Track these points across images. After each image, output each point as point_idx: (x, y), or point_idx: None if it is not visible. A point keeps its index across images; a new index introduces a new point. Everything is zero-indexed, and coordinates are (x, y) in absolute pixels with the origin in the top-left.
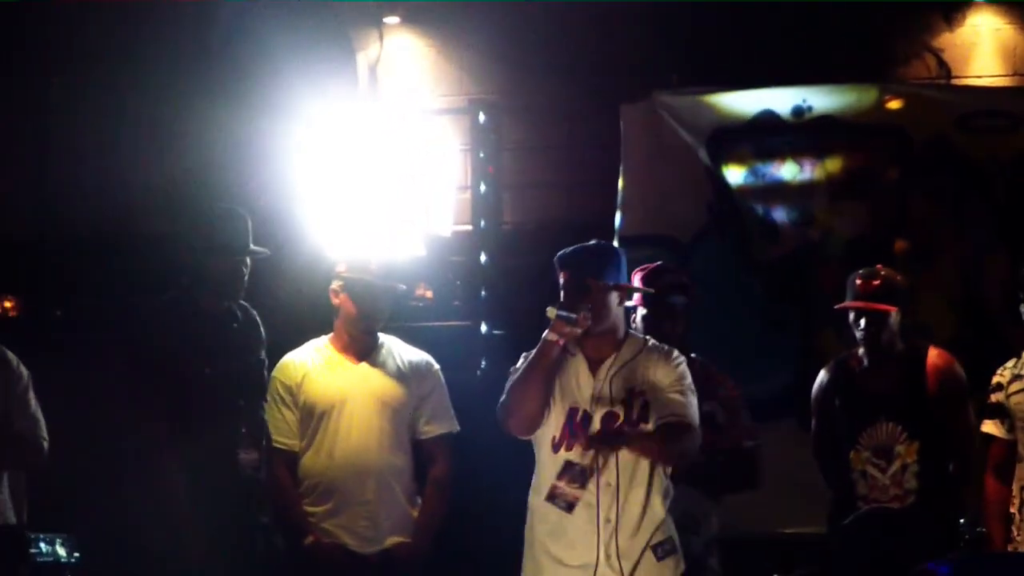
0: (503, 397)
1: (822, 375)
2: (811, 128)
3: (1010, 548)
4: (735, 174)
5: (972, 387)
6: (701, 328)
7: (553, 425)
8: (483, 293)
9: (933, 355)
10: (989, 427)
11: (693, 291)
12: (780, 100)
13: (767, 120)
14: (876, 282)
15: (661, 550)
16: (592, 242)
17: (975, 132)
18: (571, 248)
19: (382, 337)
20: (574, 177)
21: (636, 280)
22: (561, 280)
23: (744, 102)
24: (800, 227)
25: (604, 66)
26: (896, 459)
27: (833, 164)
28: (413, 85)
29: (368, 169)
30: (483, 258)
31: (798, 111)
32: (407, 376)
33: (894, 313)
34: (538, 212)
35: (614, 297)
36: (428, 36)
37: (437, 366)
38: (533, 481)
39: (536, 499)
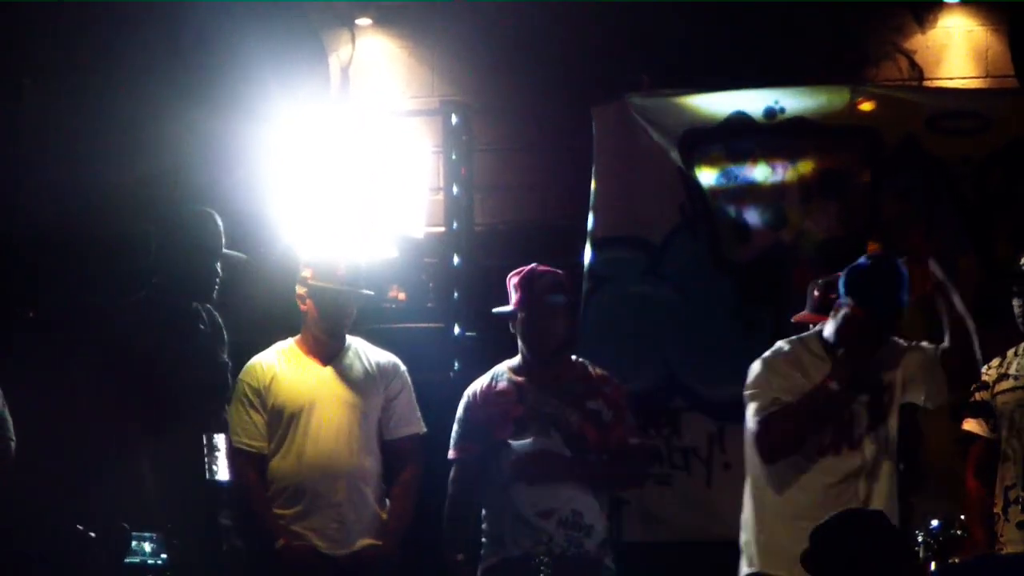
0: (763, 427)
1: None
2: (783, 130)
3: (996, 549)
4: (707, 175)
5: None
6: (674, 327)
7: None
8: (456, 295)
9: None
10: (971, 425)
11: (571, 289)
12: (752, 102)
13: (739, 122)
14: (832, 295)
15: None
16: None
17: (946, 133)
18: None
19: (349, 339)
20: (547, 179)
21: (511, 284)
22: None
23: (716, 104)
24: (772, 228)
25: (576, 67)
26: None
27: (805, 165)
28: (385, 87)
29: (340, 171)
30: (456, 260)
31: (770, 113)
32: (375, 378)
33: None
34: (511, 214)
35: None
36: (400, 38)
37: (404, 367)
38: None
39: None
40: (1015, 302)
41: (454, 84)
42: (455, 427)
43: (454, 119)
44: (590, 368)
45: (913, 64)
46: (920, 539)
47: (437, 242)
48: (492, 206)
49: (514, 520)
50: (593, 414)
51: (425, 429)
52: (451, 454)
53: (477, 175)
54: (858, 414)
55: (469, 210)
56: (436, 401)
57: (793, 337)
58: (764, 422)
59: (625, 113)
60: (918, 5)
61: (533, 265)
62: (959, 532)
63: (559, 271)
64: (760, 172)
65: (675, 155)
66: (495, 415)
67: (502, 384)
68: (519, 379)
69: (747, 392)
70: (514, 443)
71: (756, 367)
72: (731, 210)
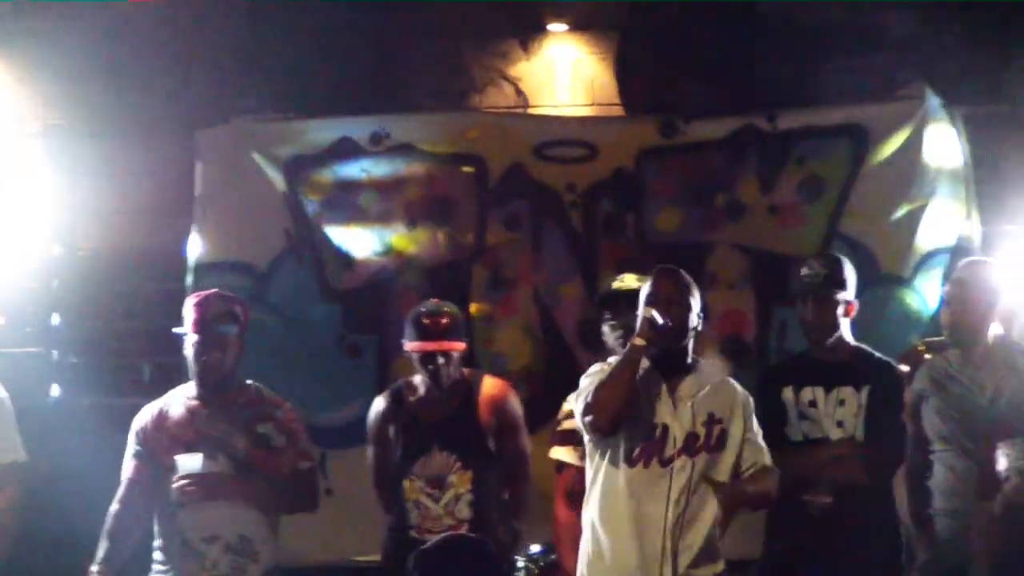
0: (587, 398)
1: (378, 403)
2: (390, 156)
3: None
4: (313, 201)
5: (549, 414)
6: (279, 354)
7: (632, 440)
8: (55, 320)
9: (487, 385)
10: (560, 453)
11: (244, 320)
12: (359, 128)
13: (345, 147)
14: (444, 320)
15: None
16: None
17: (552, 161)
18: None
19: None
20: (151, 202)
21: (188, 307)
22: (650, 289)
23: (323, 130)
24: (377, 255)
25: (182, 92)
26: (449, 488)
27: (411, 192)
28: None
29: None
30: (55, 284)
31: (376, 138)
32: None
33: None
34: (114, 238)
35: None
36: (4, 62)
37: (4, 393)
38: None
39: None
40: (605, 328)
41: (58, 108)
42: (129, 447)
43: (57, 141)
44: (264, 392)
45: (519, 91)
46: (521, 564)
47: (38, 266)
48: (95, 230)
49: (180, 545)
50: (262, 438)
51: (25, 456)
52: (125, 474)
53: (80, 199)
54: (673, 431)
55: (71, 234)
56: (35, 426)
57: None
58: (590, 396)
59: (230, 138)
60: (524, 33)
61: (215, 290)
62: (554, 557)
63: (237, 300)
64: (366, 198)
65: (280, 181)
66: (165, 439)
67: (174, 407)
68: (192, 402)
69: (578, 400)
70: (180, 460)
71: (581, 383)
72: (336, 236)
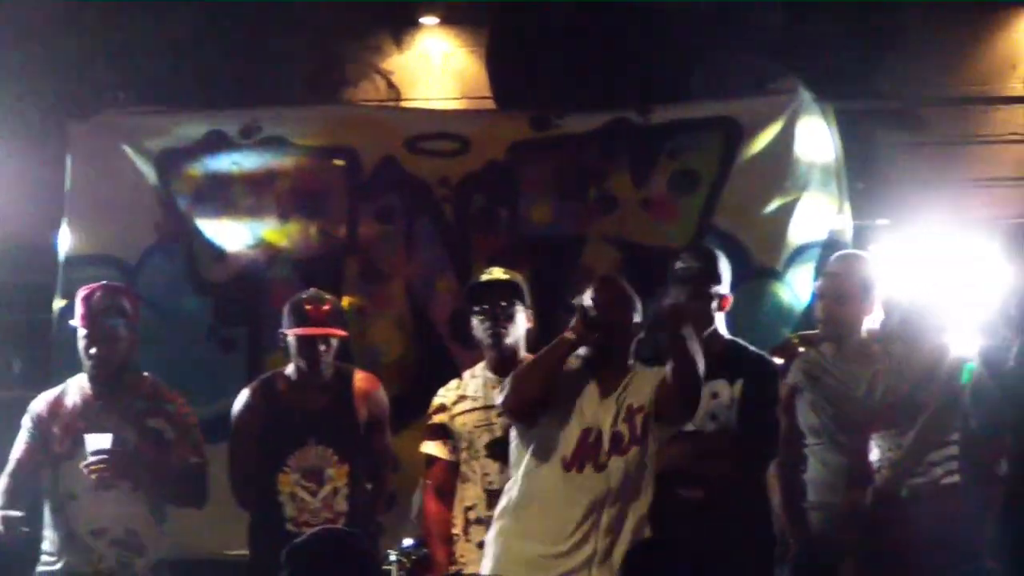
0: (509, 382)
1: (245, 394)
2: (261, 149)
3: (453, 570)
4: (183, 194)
5: (421, 408)
6: (151, 347)
7: (564, 444)
8: None
9: (359, 378)
10: (431, 447)
11: (133, 312)
12: (229, 121)
13: (216, 140)
14: (326, 307)
15: None
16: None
17: (425, 154)
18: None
19: None
20: (20, 194)
21: (77, 301)
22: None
23: (194, 123)
24: (249, 247)
25: (52, 83)
26: (327, 482)
27: (282, 184)
28: None
29: None
30: None
31: (247, 132)
32: None
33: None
34: None
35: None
36: None
37: None
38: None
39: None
40: (474, 321)
41: None
42: (21, 432)
43: None
44: (159, 386)
45: (391, 85)
46: (393, 557)
47: None
48: None
49: (68, 537)
50: (153, 432)
51: None
52: (12, 453)
53: None
54: (604, 435)
55: None
56: None
57: None
58: (507, 383)
59: (100, 130)
60: (396, 26)
61: (103, 283)
62: (426, 551)
63: (124, 292)
64: (237, 191)
65: (151, 173)
66: (58, 429)
67: (69, 398)
68: (86, 393)
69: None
70: (88, 439)
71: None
72: (208, 229)
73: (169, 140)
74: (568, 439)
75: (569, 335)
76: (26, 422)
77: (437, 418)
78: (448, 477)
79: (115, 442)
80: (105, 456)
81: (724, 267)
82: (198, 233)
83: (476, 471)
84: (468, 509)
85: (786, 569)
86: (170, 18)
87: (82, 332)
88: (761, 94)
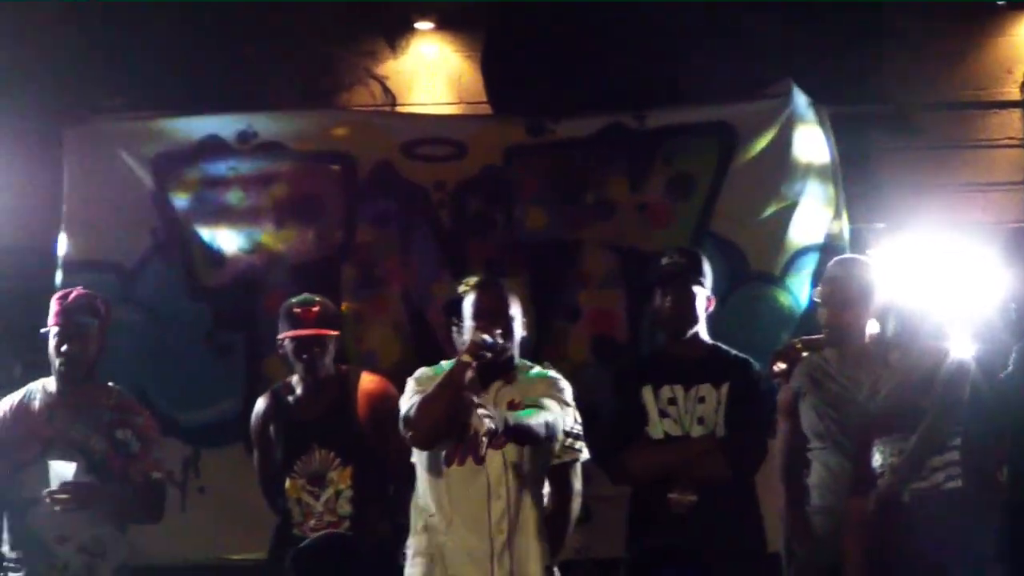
0: (409, 410)
1: (259, 403)
2: (257, 154)
3: None
4: (180, 199)
5: None
6: (148, 352)
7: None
8: None
9: (365, 380)
10: None
11: (105, 314)
12: (226, 126)
13: (212, 145)
14: (315, 308)
15: None
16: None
17: (420, 159)
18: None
19: None
20: (18, 200)
21: (52, 303)
22: (474, 305)
23: (189, 128)
24: (245, 252)
25: (48, 88)
26: (329, 485)
27: (279, 190)
28: None
29: None
30: None
31: (244, 137)
32: None
33: (334, 338)
34: None
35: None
36: None
37: None
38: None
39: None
40: (454, 332)
41: None
42: None
43: None
44: (125, 397)
45: (386, 90)
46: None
47: None
48: None
49: (31, 543)
50: (120, 444)
51: None
52: None
53: None
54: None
55: None
56: None
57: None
58: (412, 409)
59: (96, 135)
60: (391, 31)
61: (78, 288)
62: None
63: (99, 298)
64: (233, 196)
65: (147, 179)
66: (21, 433)
67: (34, 402)
68: (52, 399)
69: (403, 408)
70: (53, 466)
71: (408, 385)
72: (204, 234)
73: (165, 145)
74: (451, 436)
75: (467, 358)
76: None
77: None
78: None
79: (77, 470)
80: (69, 487)
81: (708, 268)
82: (195, 238)
83: None
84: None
85: (790, 573)
86: (164, 22)
87: (54, 330)
88: (757, 98)
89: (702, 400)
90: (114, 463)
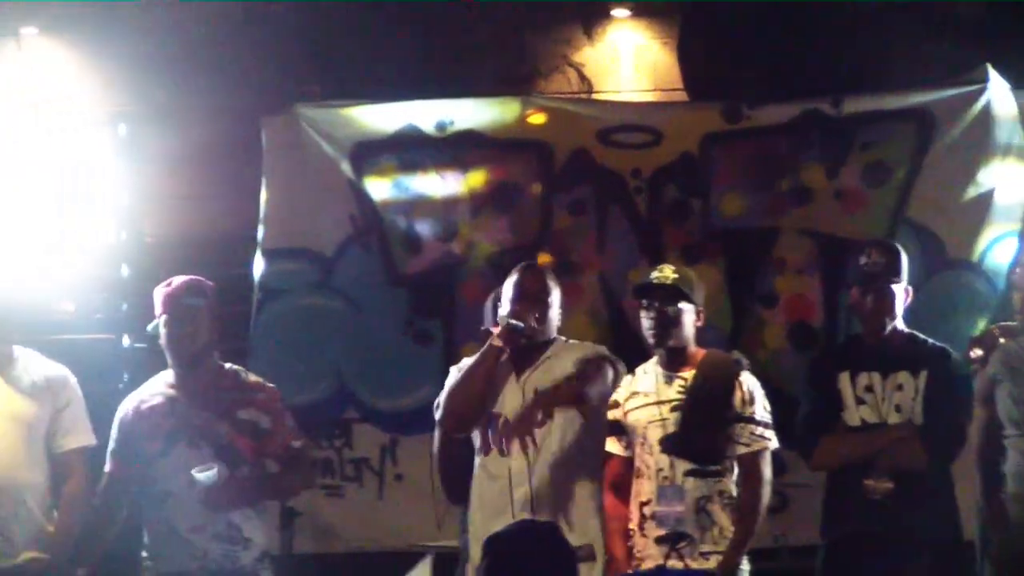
0: (442, 398)
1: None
2: (454, 142)
3: (634, 565)
4: (378, 187)
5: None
6: (346, 340)
7: (482, 429)
8: (124, 306)
9: None
10: (607, 444)
11: (212, 296)
12: (423, 114)
13: (410, 134)
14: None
15: None
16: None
17: (617, 146)
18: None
19: (17, 351)
20: (217, 189)
21: (157, 293)
22: (515, 288)
23: (387, 116)
24: (443, 240)
25: (247, 78)
26: None
27: (476, 178)
28: (54, 97)
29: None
30: (125, 270)
31: (441, 125)
32: (42, 390)
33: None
34: (181, 224)
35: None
36: (70, 46)
37: (74, 379)
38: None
39: None
40: (643, 315)
41: (126, 93)
42: (110, 440)
43: (123, 129)
44: (243, 376)
45: (583, 77)
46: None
47: (107, 253)
48: (163, 216)
49: (169, 535)
50: (246, 424)
51: (95, 441)
52: (106, 467)
53: (148, 185)
54: (504, 417)
55: (139, 220)
56: (107, 413)
57: None
58: (443, 397)
59: (295, 124)
60: (587, 18)
61: (179, 277)
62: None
63: (201, 279)
64: (431, 184)
65: (345, 167)
66: (146, 428)
67: (155, 397)
68: (171, 391)
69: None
70: (196, 475)
71: (451, 374)
72: (402, 222)
73: (363, 133)
74: (485, 425)
75: (497, 343)
76: (112, 433)
77: (611, 414)
78: (623, 472)
79: (220, 470)
80: (213, 491)
81: (905, 261)
82: (392, 226)
83: (650, 466)
84: (643, 504)
85: (987, 560)
86: (363, 12)
87: (163, 319)
88: (956, 84)
89: (900, 388)
90: (242, 445)
